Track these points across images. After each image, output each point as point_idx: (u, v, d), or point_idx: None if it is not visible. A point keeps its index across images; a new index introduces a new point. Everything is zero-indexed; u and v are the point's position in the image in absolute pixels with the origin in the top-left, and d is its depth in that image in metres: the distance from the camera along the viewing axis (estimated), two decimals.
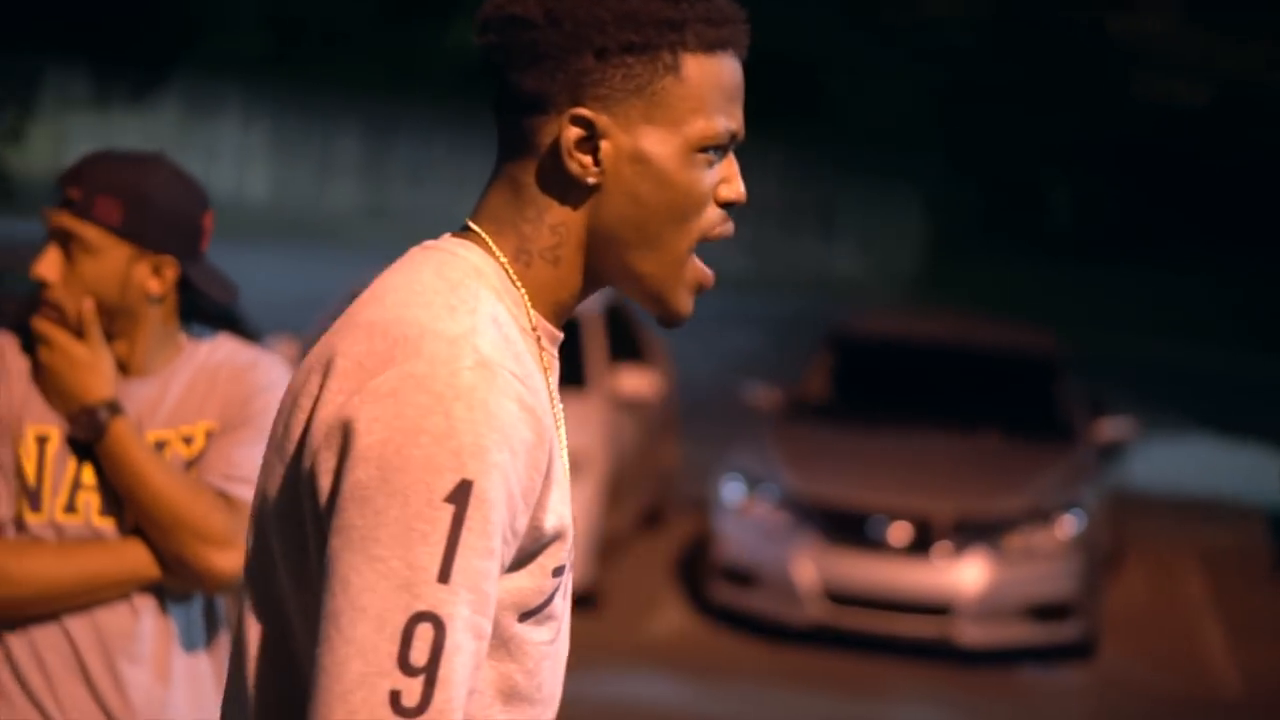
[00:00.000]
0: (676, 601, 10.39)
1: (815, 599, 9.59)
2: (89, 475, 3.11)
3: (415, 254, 1.97)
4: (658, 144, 1.94)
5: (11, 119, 29.94)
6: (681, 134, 1.94)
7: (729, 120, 1.97)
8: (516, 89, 1.94)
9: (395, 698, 1.75)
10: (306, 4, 31.69)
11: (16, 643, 3.09)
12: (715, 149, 1.97)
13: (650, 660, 9.31)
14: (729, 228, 2.00)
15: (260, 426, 3.16)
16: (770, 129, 29.92)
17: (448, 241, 1.98)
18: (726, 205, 1.99)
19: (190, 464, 3.15)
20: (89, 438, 3.09)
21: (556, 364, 2.01)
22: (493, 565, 1.81)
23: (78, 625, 3.09)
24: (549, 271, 1.97)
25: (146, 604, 3.12)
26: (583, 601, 9.90)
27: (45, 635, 3.09)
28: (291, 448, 1.90)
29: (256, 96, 32.87)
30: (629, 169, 1.93)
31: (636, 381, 10.56)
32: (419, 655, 1.76)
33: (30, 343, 3.17)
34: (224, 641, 3.26)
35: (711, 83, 1.95)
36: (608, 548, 10.32)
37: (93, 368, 3.08)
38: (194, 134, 32.16)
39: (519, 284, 1.96)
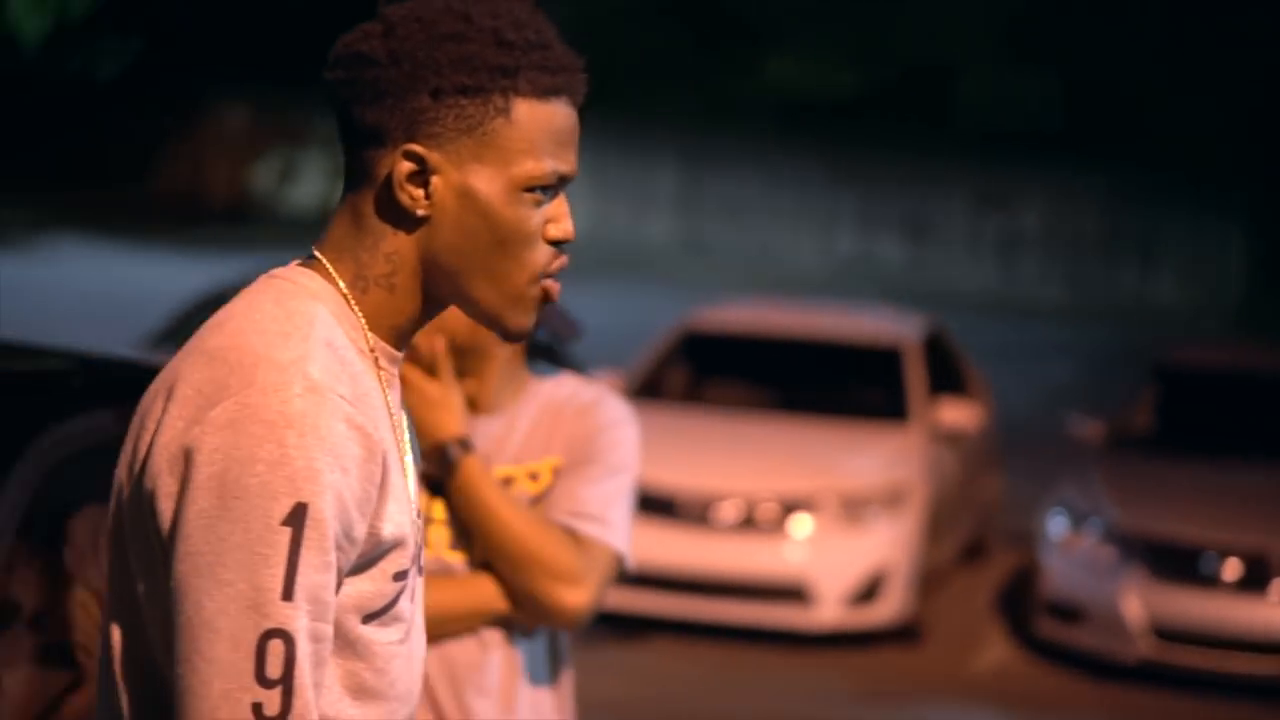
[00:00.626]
0: (1000, 636, 10.24)
1: (1143, 635, 9.38)
2: (439, 510, 3.15)
3: (260, 282, 2.07)
4: (485, 181, 2.04)
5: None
6: (508, 173, 2.04)
7: (558, 163, 2.07)
8: (359, 123, 2.05)
9: (258, 709, 1.91)
10: (622, 37, 32.01)
11: None
12: (543, 189, 2.07)
13: (973, 695, 9.19)
14: (563, 262, 2.10)
15: (606, 463, 3.19)
16: (1089, 159, 29.44)
17: (291, 270, 2.09)
18: (557, 243, 2.09)
19: (536, 500, 3.18)
20: (440, 474, 3.12)
21: (397, 381, 2.12)
22: (330, 577, 1.96)
23: (428, 657, 3.12)
24: (385, 297, 2.07)
25: (494, 638, 3.15)
26: (904, 635, 9.81)
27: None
28: (138, 468, 2.01)
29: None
30: (456, 203, 2.04)
31: (957, 414, 10.45)
32: (274, 669, 1.92)
33: None
34: (568, 676, 3.27)
35: (542, 127, 2.06)
36: (929, 581, 10.21)
37: (444, 405, 3.13)
38: None
39: (356, 309, 2.07)
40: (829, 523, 9.54)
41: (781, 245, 32.48)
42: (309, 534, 1.93)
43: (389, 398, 2.08)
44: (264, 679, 1.91)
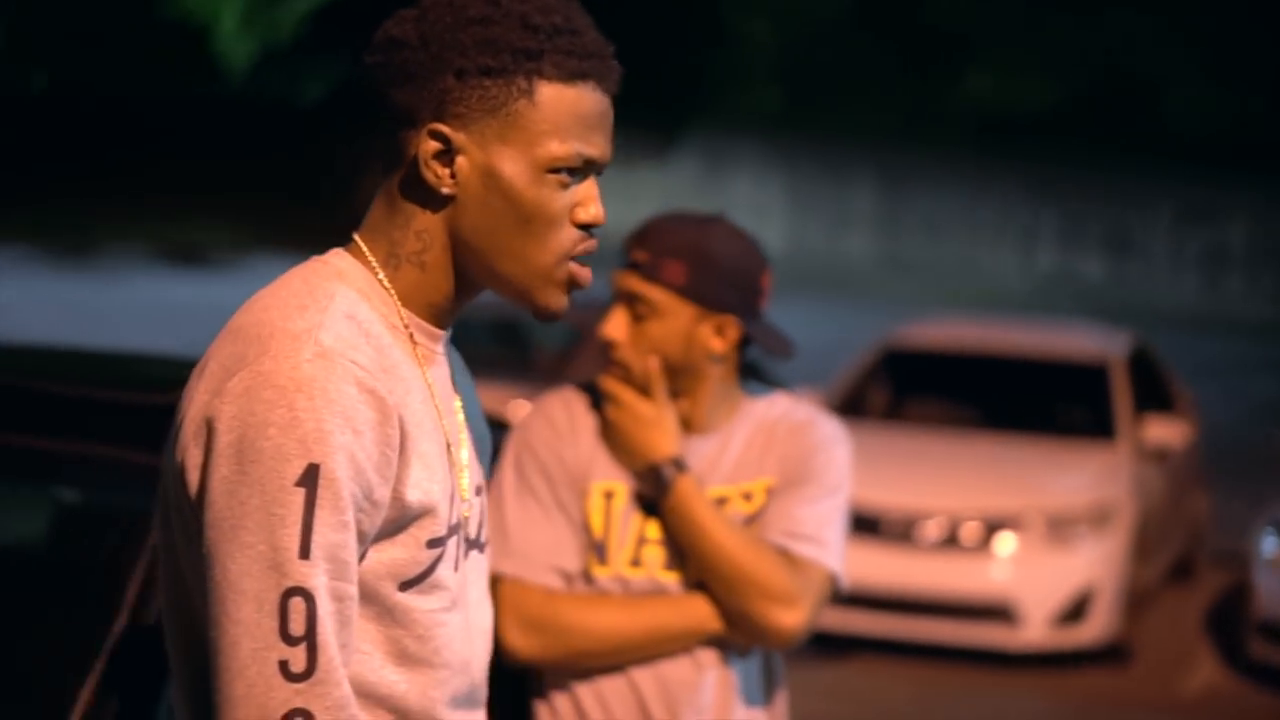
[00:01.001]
0: (1209, 657, 10.08)
1: None
2: (653, 530, 3.15)
3: (296, 267, 2.15)
4: (508, 161, 2.09)
5: None
6: (531, 154, 2.09)
7: (583, 145, 2.11)
8: (391, 105, 2.11)
9: (284, 666, 1.97)
10: (823, 56, 31.94)
11: (585, 693, 3.15)
12: (569, 171, 2.11)
13: (1181, 717, 9.05)
14: (591, 245, 2.15)
15: (821, 483, 3.18)
16: None
17: (329, 253, 2.16)
18: (586, 227, 2.14)
19: (750, 520, 3.17)
20: (655, 494, 3.13)
21: (442, 357, 2.19)
22: (347, 536, 2.01)
23: (643, 677, 3.13)
24: (417, 275, 2.14)
25: (709, 657, 3.15)
26: (1111, 655, 9.69)
27: (612, 686, 3.14)
28: (173, 444, 2.09)
29: (771, 149, 33.29)
30: (480, 182, 2.10)
31: (1164, 431, 10.32)
32: (296, 626, 1.98)
33: (598, 400, 3.23)
34: (782, 696, 3.27)
35: (566, 109, 2.10)
36: (1137, 601, 10.08)
37: (658, 425, 3.13)
38: (710, 189, 32.72)
39: (388, 286, 2.13)
40: (1034, 541, 9.46)
41: (981, 261, 32.22)
42: (322, 493, 1.98)
43: (429, 373, 2.15)
44: (288, 636, 1.97)
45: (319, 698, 1.98)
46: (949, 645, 9.50)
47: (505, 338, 13.20)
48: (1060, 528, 9.51)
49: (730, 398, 3.23)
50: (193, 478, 2.03)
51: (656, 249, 3.14)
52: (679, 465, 3.12)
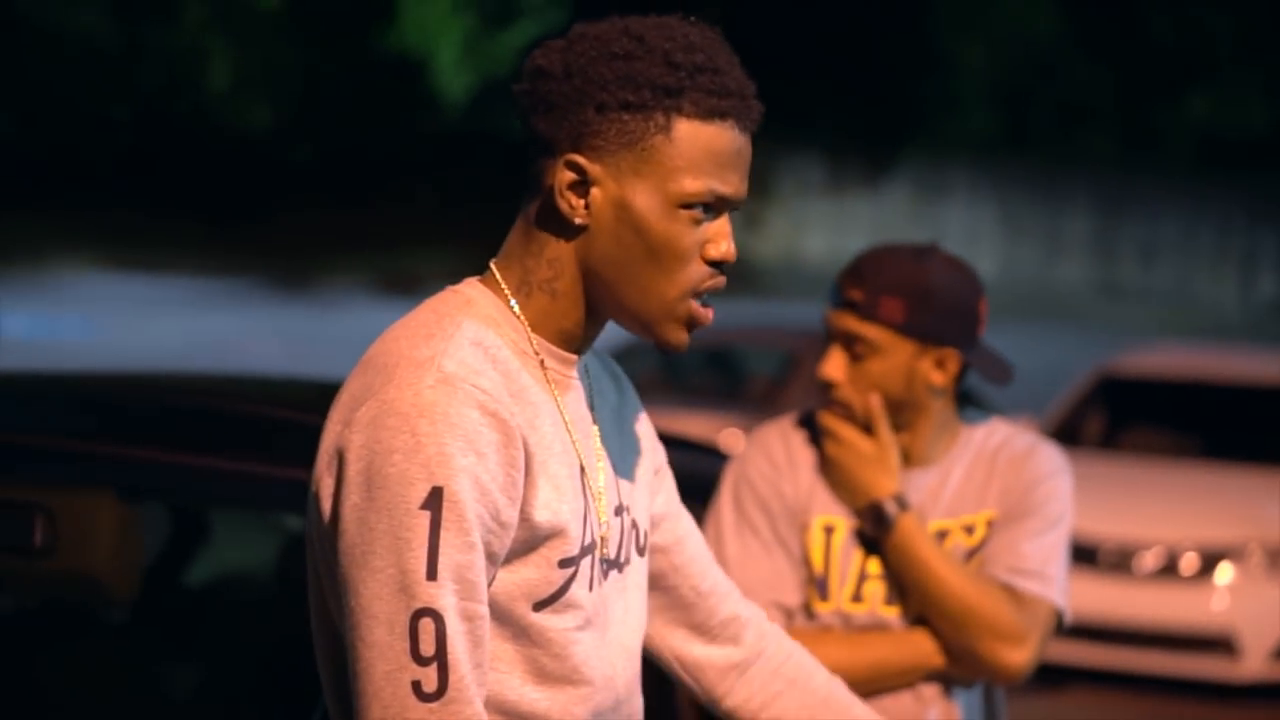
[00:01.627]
0: None
1: None
2: (874, 566, 3.14)
3: (431, 297, 2.19)
4: (641, 195, 2.12)
5: (751, 206, 31.00)
6: (665, 190, 2.12)
7: (717, 183, 2.13)
8: (534, 133, 2.15)
9: (417, 687, 2.01)
10: (1038, 80, 31.68)
11: None
12: (702, 207, 2.14)
13: None
14: (719, 281, 2.18)
15: (1045, 516, 3.14)
16: None
17: (464, 282, 2.21)
18: (716, 264, 2.17)
19: (971, 554, 3.15)
20: (876, 532, 3.12)
21: (577, 382, 2.22)
22: (473, 557, 2.05)
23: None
24: (548, 302, 2.17)
25: (932, 692, 3.13)
26: None
27: None
28: (312, 474, 2.14)
29: (984, 174, 33.07)
30: (613, 214, 2.13)
31: None
32: (427, 646, 2.01)
33: (815, 433, 3.22)
34: (1001, 714, 3.25)
35: (702, 147, 2.12)
36: None
37: (880, 462, 3.12)
38: (923, 215, 32.57)
39: (519, 313, 2.17)
40: (1254, 572, 9.31)
41: (1198, 288, 31.74)
42: (447, 515, 2.02)
43: (562, 398, 2.19)
44: (419, 657, 2.01)
45: (452, 715, 2.01)
46: (1167, 677, 9.38)
47: (718, 367, 13.25)
48: None
49: (949, 428, 3.21)
50: (326, 506, 2.09)
51: (873, 286, 3.11)
52: (901, 503, 3.10)
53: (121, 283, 27.76)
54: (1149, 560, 9.33)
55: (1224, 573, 9.30)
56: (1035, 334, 25.35)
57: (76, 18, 30.04)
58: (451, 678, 2.02)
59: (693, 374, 13.21)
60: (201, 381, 3.88)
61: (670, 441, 3.86)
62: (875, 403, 3.13)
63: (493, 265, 2.20)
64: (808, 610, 3.15)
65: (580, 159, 2.12)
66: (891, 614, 3.14)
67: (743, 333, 13.31)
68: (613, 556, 2.25)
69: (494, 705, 2.12)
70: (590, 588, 2.18)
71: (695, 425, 11.29)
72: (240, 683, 4.23)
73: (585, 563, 2.17)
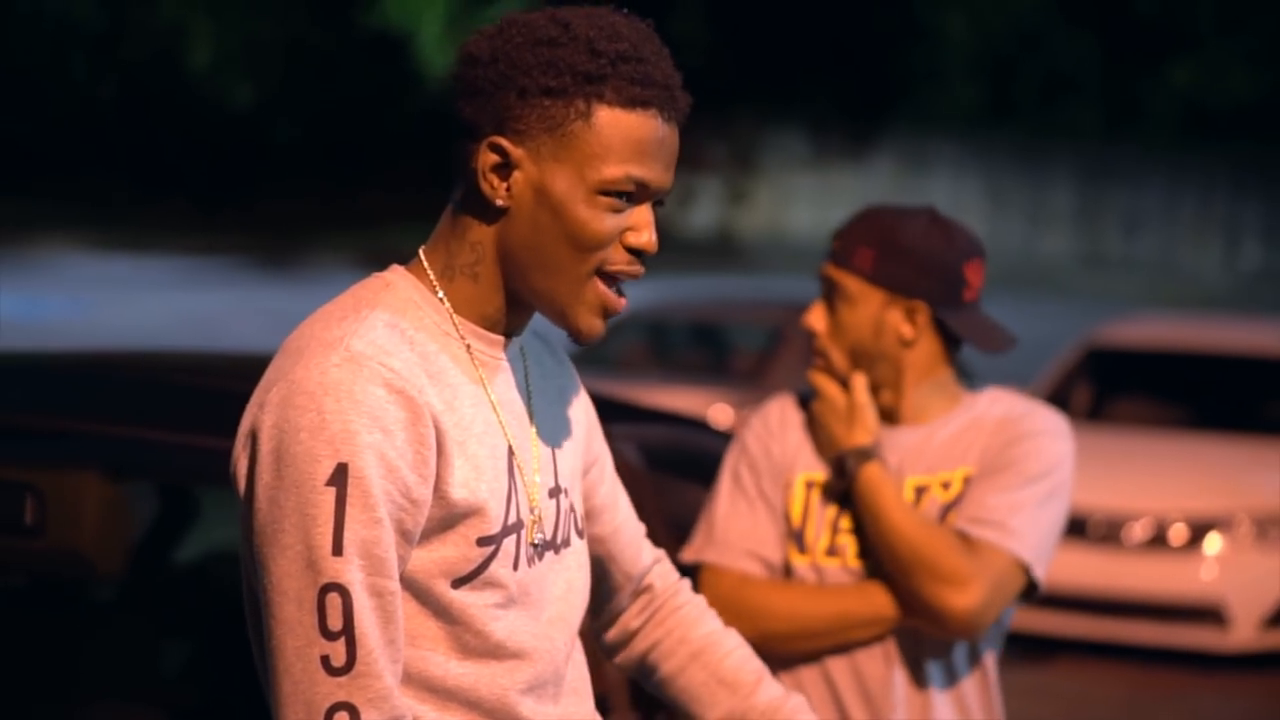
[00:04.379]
0: None
1: None
2: (847, 520, 3.19)
3: (356, 284, 2.23)
4: (560, 180, 2.14)
5: (736, 180, 31.02)
6: (583, 175, 2.14)
7: (637, 169, 2.14)
8: (460, 117, 2.18)
9: (325, 661, 2.04)
10: (1022, 52, 31.67)
11: (784, 681, 3.18)
12: (622, 195, 2.15)
13: None
14: (637, 270, 2.18)
15: (1020, 472, 3.14)
16: None
17: (389, 269, 2.23)
18: (637, 252, 2.18)
19: (947, 508, 3.18)
20: (840, 483, 3.18)
21: (505, 365, 2.23)
22: (381, 532, 2.06)
23: (838, 667, 3.17)
24: (470, 285, 2.20)
25: (897, 651, 3.16)
26: None
27: (809, 676, 3.19)
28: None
29: (969, 146, 33.09)
30: (532, 198, 2.15)
31: None
32: (334, 621, 2.04)
33: (809, 394, 3.30)
34: (988, 695, 3.24)
35: (623, 135, 2.14)
36: None
37: (850, 418, 3.18)
38: (907, 187, 32.58)
39: (442, 296, 2.19)
40: (1242, 542, 9.33)
41: (1183, 258, 31.78)
42: (352, 491, 2.05)
43: (487, 379, 2.20)
44: (327, 632, 2.04)
45: (361, 690, 2.04)
46: (1155, 647, 9.40)
47: (704, 341, 13.25)
48: (1269, 528, 9.37)
49: (946, 392, 3.24)
50: (242, 486, 2.12)
51: (850, 237, 3.20)
52: (863, 454, 3.14)
53: (106, 262, 27.72)
54: (1137, 531, 9.35)
55: (1213, 543, 9.32)
56: (1020, 305, 25.38)
57: None
58: (359, 652, 2.04)
59: (679, 349, 13.21)
60: (188, 359, 3.88)
61: (661, 417, 3.86)
62: (858, 379, 3.20)
63: (421, 251, 2.23)
64: (786, 565, 3.21)
65: (503, 141, 2.15)
66: (862, 568, 3.17)
67: (729, 307, 13.31)
68: (548, 538, 2.26)
69: (419, 681, 2.15)
70: (515, 566, 2.19)
71: (682, 400, 11.29)
72: (228, 659, 4.23)
73: (509, 541, 2.18)
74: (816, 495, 3.22)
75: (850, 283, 3.18)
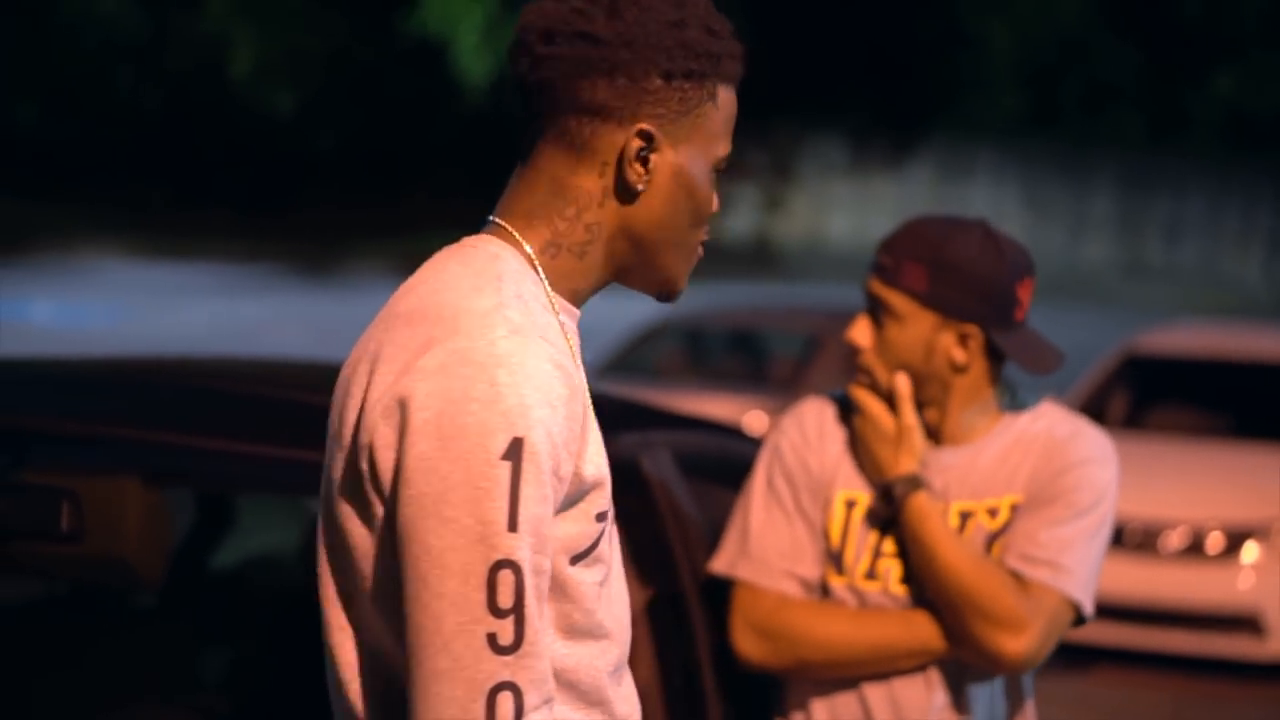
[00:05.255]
0: None
1: None
2: (890, 544, 3.10)
3: (438, 254, 2.17)
4: (692, 160, 2.17)
5: (774, 188, 30.99)
6: (708, 154, 2.19)
7: (730, 145, 2.22)
8: (579, 97, 2.14)
9: (493, 639, 1.97)
10: (1064, 60, 31.58)
11: (818, 706, 3.12)
12: (717, 169, 2.22)
13: None
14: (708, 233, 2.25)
15: (1070, 504, 3.05)
16: None
17: (470, 239, 2.18)
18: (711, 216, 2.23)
19: (993, 537, 3.08)
20: (884, 509, 3.08)
21: (577, 339, 2.20)
22: (547, 510, 2.02)
23: (874, 693, 3.08)
24: (573, 263, 2.17)
25: (939, 678, 3.08)
26: None
27: (844, 701, 3.11)
28: (348, 435, 2.09)
29: (1009, 154, 33.00)
30: (670, 180, 2.16)
31: None
32: (505, 599, 1.98)
33: (850, 409, 3.18)
34: (1027, 714, 3.16)
35: (729, 112, 2.21)
36: None
37: (899, 442, 3.07)
38: (947, 196, 32.51)
39: (540, 271, 2.16)
40: None
41: (1224, 266, 31.66)
42: (527, 467, 1.99)
43: (573, 349, 2.18)
44: (496, 609, 1.98)
45: (526, 670, 1.99)
46: (1193, 656, 9.37)
47: (742, 349, 13.25)
48: None
49: (987, 410, 3.14)
50: (384, 458, 2.04)
51: (899, 252, 3.07)
52: (914, 483, 3.04)
53: (147, 269, 27.82)
54: (1174, 539, 9.32)
55: (1250, 552, 9.29)
56: (1061, 314, 25.32)
57: (101, 6, 30.07)
58: (528, 631, 1.99)
59: (717, 356, 13.21)
60: (227, 366, 3.90)
61: (697, 424, 3.87)
62: (901, 381, 3.08)
63: (504, 223, 2.18)
64: (823, 584, 3.13)
65: (650, 127, 2.14)
66: (904, 594, 3.08)
67: (766, 315, 13.31)
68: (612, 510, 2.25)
69: None
70: (610, 541, 2.17)
71: (719, 407, 11.29)
72: (267, 666, 4.25)
73: (610, 514, 2.16)
74: (857, 515, 3.12)
75: (900, 302, 3.06)
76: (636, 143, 2.14)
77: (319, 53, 30.41)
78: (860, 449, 3.12)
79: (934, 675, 3.07)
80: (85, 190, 30.04)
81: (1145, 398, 10.87)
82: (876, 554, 3.10)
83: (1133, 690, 9.17)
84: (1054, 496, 3.05)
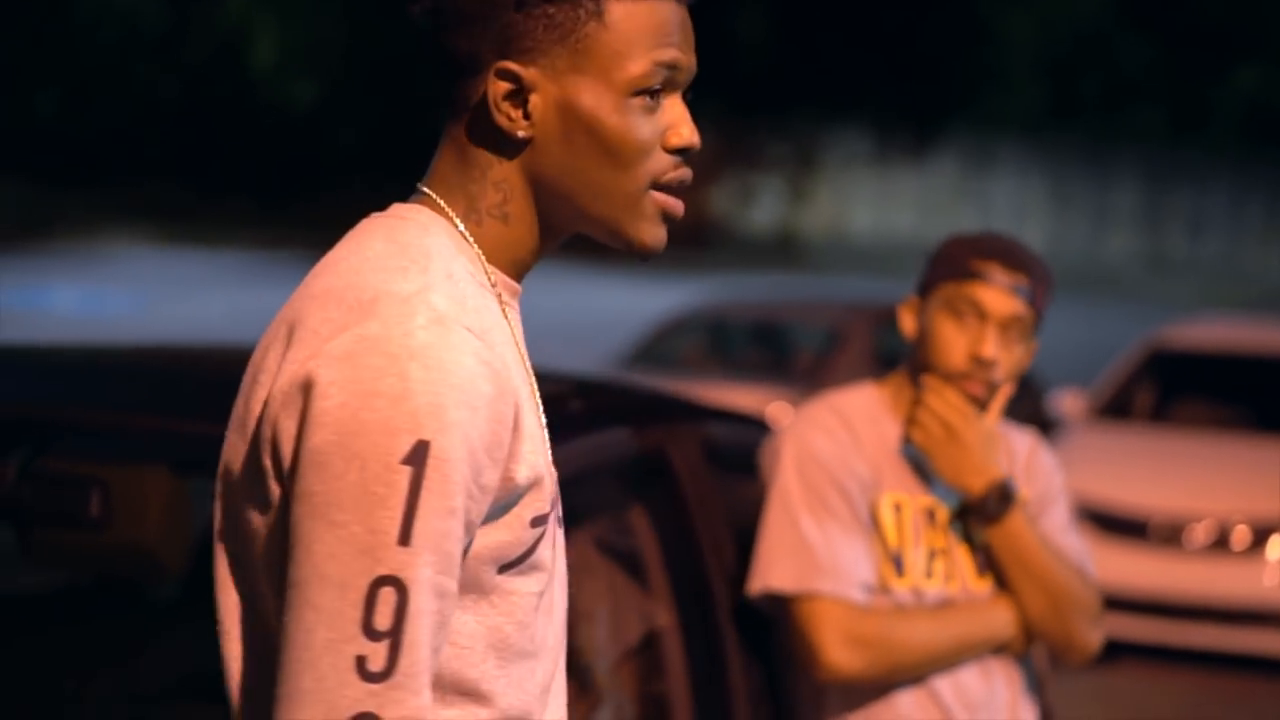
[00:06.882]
0: None
1: None
2: (940, 541, 3.21)
3: (364, 224, 1.97)
4: (586, 93, 1.91)
5: (797, 180, 30.98)
6: (610, 80, 1.91)
7: (664, 55, 1.92)
8: (450, 51, 1.94)
9: (361, 663, 1.76)
10: (1087, 54, 31.54)
11: (880, 709, 3.19)
12: (650, 92, 1.93)
13: None
14: (685, 173, 1.97)
15: (1065, 505, 3.31)
16: None
17: (397, 208, 1.97)
18: (680, 152, 1.95)
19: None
20: (984, 513, 3.18)
21: (517, 315, 2.00)
22: (455, 524, 1.80)
23: (943, 685, 3.18)
24: (500, 228, 1.96)
25: (999, 663, 3.23)
26: None
27: (912, 698, 3.18)
28: (253, 421, 1.88)
29: (1033, 148, 32.97)
30: (559, 119, 1.92)
31: None
32: (383, 620, 1.76)
33: (868, 412, 3.26)
34: (1044, 692, 3.35)
35: (641, 25, 1.91)
36: None
37: (994, 446, 3.19)
38: (970, 189, 32.48)
39: (472, 242, 1.96)
40: None
41: (1247, 260, 31.60)
42: (431, 475, 1.78)
43: (515, 332, 1.99)
44: (371, 630, 1.76)
45: (394, 703, 1.77)
46: (1217, 651, 9.35)
47: (764, 340, 13.24)
48: None
49: None
50: (285, 449, 1.83)
51: (1033, 272, 3.20)
52: (1010, 492, 3.18)
53: (170, 258, 27.88)
54: (1200, 534, 9.29)
55: (1276, 546, 9.26)
56: (1084, 307, 25.29)
57: None
58: (403, 660, 1.77)
59: (739, 348, 13.20)
60: (250, 354, 3.88)
61: (721, 414, 3.86)
62: (1006, 391, 3.22)
63: (428, 190, 1.98)
64: (884, 587, 3.18)
65: (512, 65, 1.91)
66: (954, 589, 3.20)
67: (789, 306, 13.29)
68: (559, 510, 2.05)
69: (450, 684, 1.88)
70: (553, 545, 1.97)
71: (742, 398, 11.28)
72: None
73: (552, 518, 1.96)
74: (907, 517, 3.20)
75: (1031, 320, 3.20)
76: (500, 85, 1.91)
77: (338, 44, 30.44)
78: (952, 450, 3.18)
79: (991, 664, 3.22)
80: (106, 180, 30.10)
81: (1171, 392, 10.84)
82: (931, 554, 3.20)
83: (1157, 685, 9.14)
84: (1053, 500, 3.31)
